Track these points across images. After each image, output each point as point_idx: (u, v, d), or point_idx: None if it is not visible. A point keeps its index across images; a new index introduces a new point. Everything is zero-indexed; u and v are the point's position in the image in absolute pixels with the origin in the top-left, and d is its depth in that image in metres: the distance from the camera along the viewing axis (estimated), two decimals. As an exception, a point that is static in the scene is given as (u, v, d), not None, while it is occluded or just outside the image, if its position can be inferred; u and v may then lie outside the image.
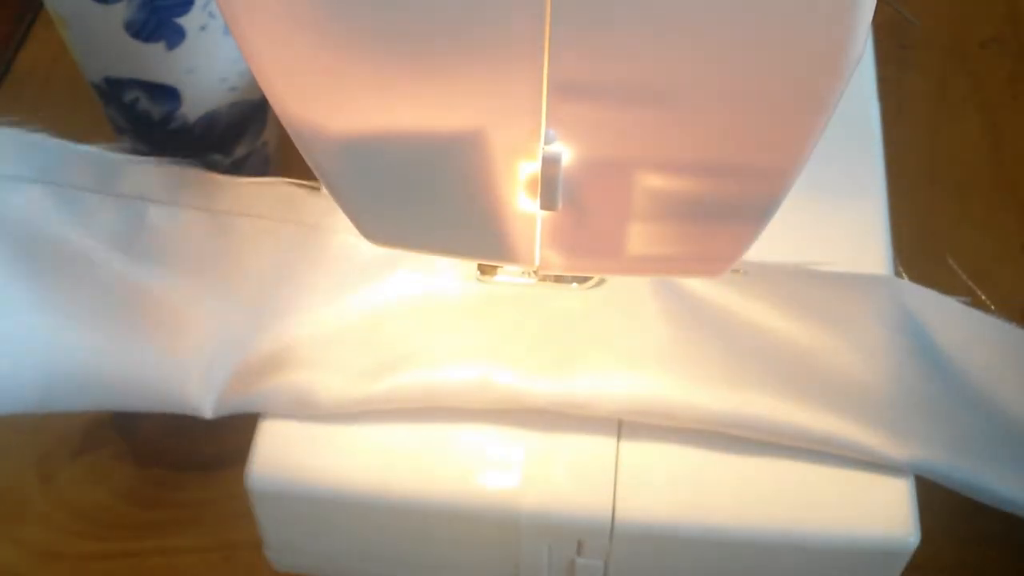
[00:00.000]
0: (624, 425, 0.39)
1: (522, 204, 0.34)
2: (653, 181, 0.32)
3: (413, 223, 0.36)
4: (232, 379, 0.39)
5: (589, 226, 0.34)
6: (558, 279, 0.40)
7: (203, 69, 0.48)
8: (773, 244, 0.40)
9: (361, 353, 0.39)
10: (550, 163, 0.31)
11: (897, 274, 0.42)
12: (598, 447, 0.38)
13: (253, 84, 0.31)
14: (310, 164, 0.34)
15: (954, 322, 0.41)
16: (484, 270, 0.40)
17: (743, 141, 0.31)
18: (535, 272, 0.40)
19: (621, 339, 0.39)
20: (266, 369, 0.39)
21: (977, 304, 0.42)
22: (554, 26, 0.27)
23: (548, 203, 0.32)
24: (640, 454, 0.38)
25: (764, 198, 0.33)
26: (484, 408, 0.38)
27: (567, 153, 0.31)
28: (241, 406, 0.39)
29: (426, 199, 0.34)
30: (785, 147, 0.31)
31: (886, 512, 0.37)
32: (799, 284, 0.41)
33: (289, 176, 0.56)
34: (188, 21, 0.45)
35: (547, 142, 0.31)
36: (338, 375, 0.39)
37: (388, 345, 0.39)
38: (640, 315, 0.40)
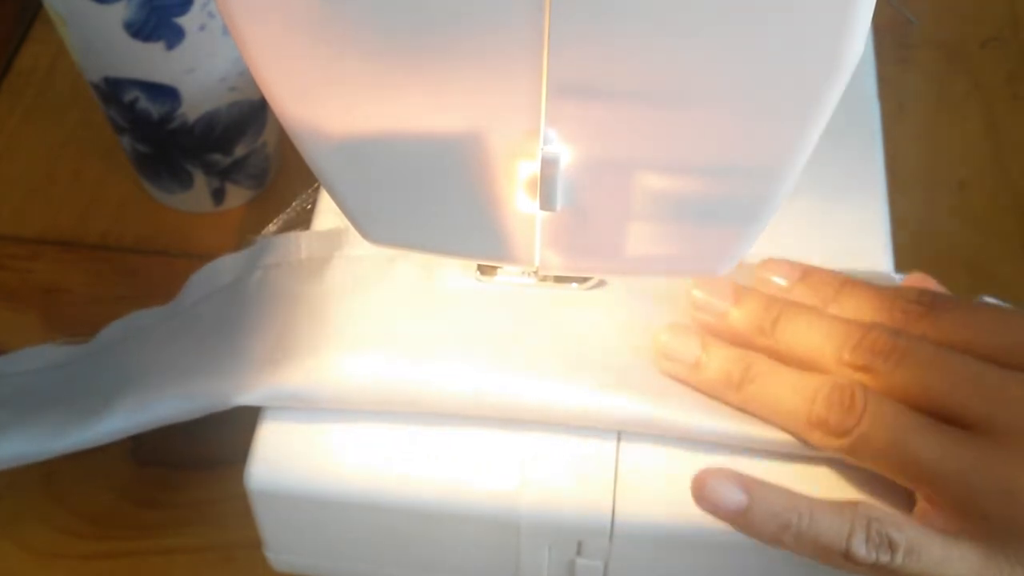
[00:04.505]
0: (624, 425, 0.39)
1: (521, 204, 0.34)
2: (652, 181, 0.32)
3: (412, 223, 0.36)
4: (238, 373, 0.40)
5: (589, 226, 0.34)
6: (558, 279, 0.40)
7: (203, 69, 0.48)
8: (773, 244, 0.41)
9: (360, 353, 0.39)
10: (549, 164, 0.31)
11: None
12: (598, 447, 0.38)
13: (253, 84, 0.31)
14: (310, 164, 0.34)
15: None
16: (484, 270, 0.40)
17: (742, 141, 0.31)
18: (535, 272, 0.40)
19: (620, 349, 0.39)
20: (270, 364, 0.39)
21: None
22: (553, 27, 0.27)
23: (547, 204, 0.32)
24: (640, 454, 0.38)
25: (764, 197, 0.33)
26: (480, 415, 0.38)
27: (566, 154, 0.31)
28: (247, 400, 0.39)
29: (425, 199, 0.34)
30: (784, 147, 0.31)
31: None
32: None
33: (289, 176, 0.56)
34: (188, 21, 0.45)
35: (546, 143, 0.31)
36: (337, 373, 0.39)
37: (386, 346, 0.39)
38: (641, 323, 0.40)
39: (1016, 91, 0.60)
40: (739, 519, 0.34)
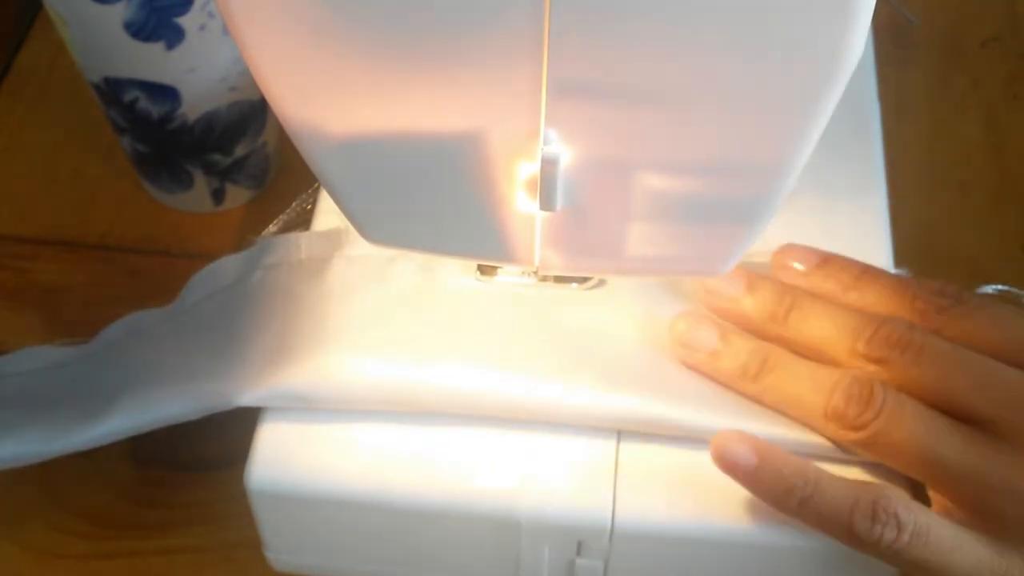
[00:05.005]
0: (624, 425, 0.39)
1: (521, 204, 0.34)
2: (652, 181, 0.32)
3: (413, 223, 0.36)
4: (239, 374, 0.40)
5: (588, 226, 0.34)
6: (558, 279, 0.40)
7: (203, 69, 0.48)
8: (773, 244, 0.41)
9: (360, 353, 0.39)
10: (549, 164, 0.31)
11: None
12: (598, 447, 0.38)
13: (253, 84, 0.31)
14: (310, 164, 0.34)
15: None
16: (484, 270, 0.40)
17: (742, 141, 0.31)
18: (535, 272, 0.40)
19: (620, 349, 0.39)
20: (268, 365, 0.39)
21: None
22: (553, 26, 0.27)
23: (547, 204, 0.32)
24: (640, 454, 0.38)
25: (764, 197, 0.33)
26: (481, 415, 0.38)
27: (566, 154, 0.31)
28: (248, 400, 0.39)
29: (426, 199, 0.34)
30: (784, 146, 0.31)
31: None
32: None
33: (289, 176, 0.56)
34: (188, 21, 0.45)
35: (546, 143, 0.31)
36: (337, 373, 0.39)
37: (386, 346, 0.39)
38: (639, 322, 0.40)
39: (1016, 91, 0.60)
40: (749, 479, 0.35)
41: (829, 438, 0.37)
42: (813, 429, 0.37)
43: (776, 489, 0.35)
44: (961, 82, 0.61)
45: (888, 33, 0.62)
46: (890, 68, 0.55)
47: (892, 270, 0.42)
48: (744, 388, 0.38)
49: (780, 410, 0.37)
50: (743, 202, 0.33)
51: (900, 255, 0.43)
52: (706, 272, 0.38)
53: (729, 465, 0.35)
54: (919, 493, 0.36)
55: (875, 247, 0.42)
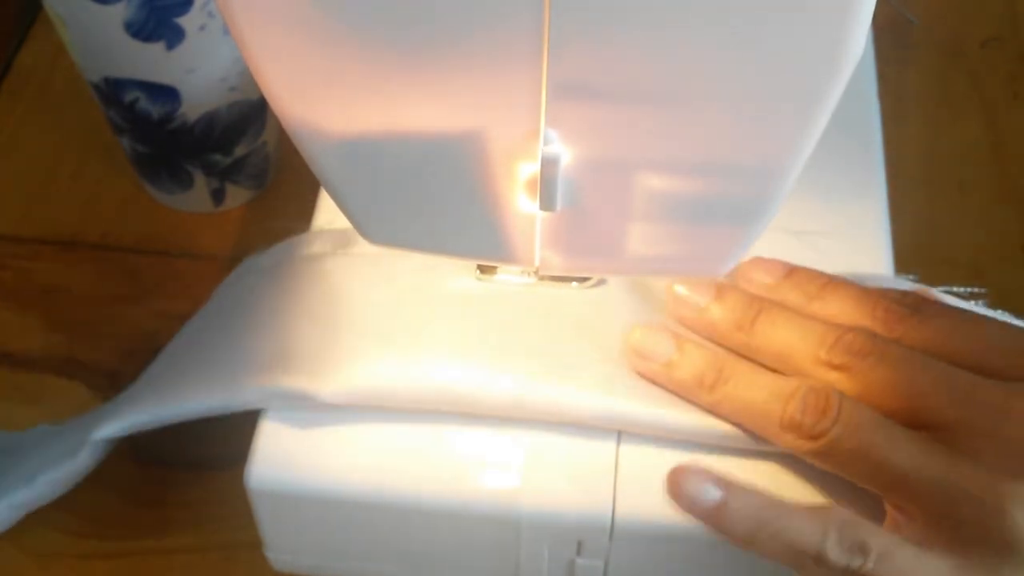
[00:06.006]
0: (624, 425, 0.39)
1: (522, 204, 0.34)
2: (652, 181, 0.32)
3: (413, 223, 0.36)
4: (236, 376, 0.40)
5: (589, 226, 0.35)
6: (558, 279, 0.40)
7: (203, 69, 0.48)
8: (773, 244, 0.41)
9: (360, 352, 0.39)
10: (549, 164, 0.31)
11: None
12: (598, 448, 0.38)
13: (253, 84, 0.31)
14: (310, 164, 0.34)
15: None
16: (484, 270, 0.41)
17: (742, 141, 0.31)
18: (535, 272, 0.40)
19: (620, 349, 0.39)
20: (269, 365, 0.39)
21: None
22: (553, 27, 0.27)
23: (547, 204, 0.33)
24: (640, 454, 0.38)
25: (764, 197, 0.33)
26: (480, 415, 0.38)
27: (566, 154, 0.31)
28: (244, 403, 0.39)
29: (426, 199, 0.34)
30: (784, 146, 0.31)
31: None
32: None
33: (289, 176, 0.56)
34: (188, 21, 0.45)
35: (546, 143, 0.31)
36: (337, 372, 0.39)
37: (386, 346, 0.39)
38: (639, 322, 0.40)
39: (1016, 91, 0.60)
40: (715, 516, 0.34)
41: (785, 448, 0.36)
42: (769, 439, 0.36)
43: (745, 524, 0.34)
44: (961, 82, 0.61)
45: (888, 33, 0.62)
46: (890, 68, 0.55)
47: (892, 271, 0.42)
48: (700, 398, 0.37)
49: (736, 420, 0.37)
50: (743, 202, 0.33)
51: (900, 255, 0.43)
52: (706, 272, 0.38)
53: (691, 503, 0.34)
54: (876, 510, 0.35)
55: (875, 247, 0.42)
